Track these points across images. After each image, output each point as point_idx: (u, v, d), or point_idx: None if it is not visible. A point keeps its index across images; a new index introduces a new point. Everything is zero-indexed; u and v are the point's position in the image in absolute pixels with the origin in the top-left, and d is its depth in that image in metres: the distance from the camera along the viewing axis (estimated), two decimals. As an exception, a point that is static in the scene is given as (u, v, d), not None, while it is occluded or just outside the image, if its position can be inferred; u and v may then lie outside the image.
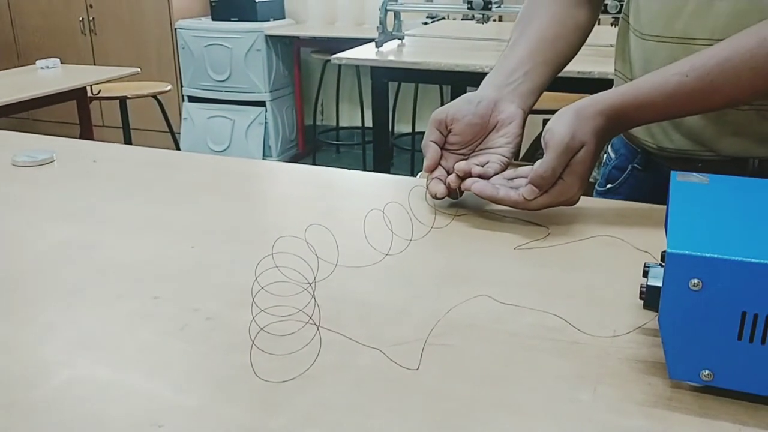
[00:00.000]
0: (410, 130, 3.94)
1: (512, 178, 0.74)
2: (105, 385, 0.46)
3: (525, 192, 0.69)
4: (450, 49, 2.28)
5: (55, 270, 0.63)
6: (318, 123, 4.26)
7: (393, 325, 0.53)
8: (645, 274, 0.50)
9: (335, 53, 2.26)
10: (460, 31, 2.59)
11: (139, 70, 2.80)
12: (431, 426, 0.42)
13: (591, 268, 0.62)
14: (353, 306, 0.56)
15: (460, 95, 0.80)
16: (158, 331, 0.53)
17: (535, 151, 2.34)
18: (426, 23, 3.21)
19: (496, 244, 0.67)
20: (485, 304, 0.55)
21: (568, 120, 0.69)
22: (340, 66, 3.96)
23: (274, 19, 3.96)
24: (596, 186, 0.98)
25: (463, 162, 0.74)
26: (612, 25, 2.03)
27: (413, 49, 2.35)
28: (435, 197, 0.74)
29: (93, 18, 4.22)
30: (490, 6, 2.20)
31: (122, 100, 3.22)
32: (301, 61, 4.17)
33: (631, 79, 0.83)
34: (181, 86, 4.08)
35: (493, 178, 0.73)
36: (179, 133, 4.00)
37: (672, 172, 0.55)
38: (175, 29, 3.99)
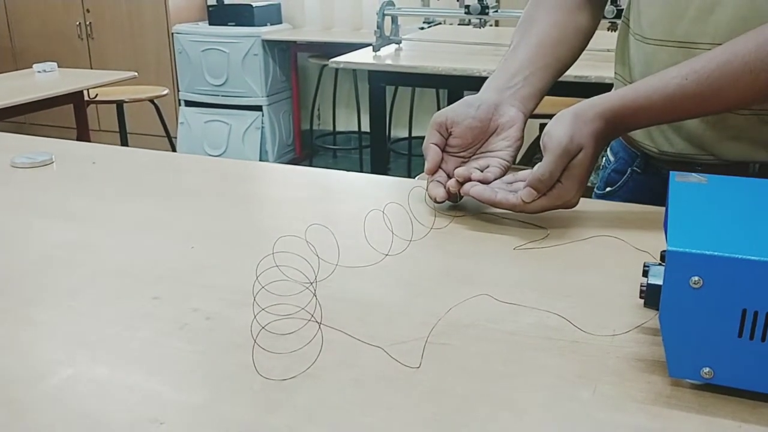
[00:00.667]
0: (407, 135, 3.95)
1: (511, 182, 0.74)
2: (105, 383, 0.46)
3: (523, 195, 0.69)
4: (447, 54, 2.29)
5: (55, 270, 0.63)
6: (315, 128, 4.26)
7: (394, 324, 0.53)
8: (645, 274, 0.50)
9: (332, 58, 2.27)
10: (457, 36, 2.60)
11: (136, 74, 2.80)
12: (432, 424, 0.42)
13: (590, 268, 0.62)
14: (354, 305, 0.56)
15: (457, 100, 0.80)
16: (158, 330, 0.53)
17: (532, 155, 2.35)
18: (422, 28, 3.22)
19: (495, 244, 0.67)
20: (485, 304, 0.55)
21: (567, 123, 0.69)
22: (337, 71, 3.97)
23: (271, 24, 3.97)
24: (595, 189, 0.98)
25: (463, 167, 0.74)
26: (609, 29, 2.04)
27: (411, 53, 2.36)
28: (435, 201, 0.74)
29: (90, 22, 4.22)
30: (487, 11, 2.21)
31: (119, 104, 3.22)
32: (298, 66, 4.18)
33: (631, 83, 0.83)
34: (178, 91, 4.08)
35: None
36: (176, 138, 4.00)
37: (671, 172, 0.56)
38: (173, 34, 3.99)
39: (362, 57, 2.28)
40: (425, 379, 0.46)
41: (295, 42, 3.96)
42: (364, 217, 0.71)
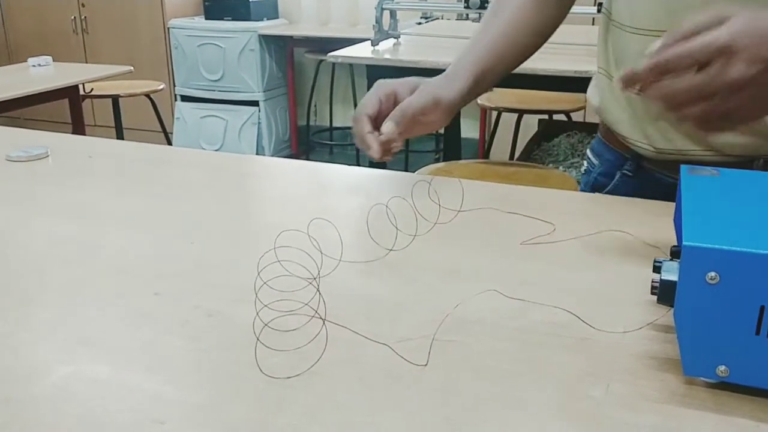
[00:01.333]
0: (404, 131, 3.93)
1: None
2: (105, 382, 0.45)
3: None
4: (446, 48, 2.27)
5: (53, 267, 0.62)
6: (311, 123, 4.25)
7: (399, 320, 0.52)
8: (656, 270, 0.49)
9: (328, 53, 2.25)
10: (455, 31, 2.58)
11: (132, 68, 2.78)
12: (440, 423, 0.41)
13: (598, 263, 0.61)
14: (359, 302, 0.55)
15: None
16: (159, 328, 0.52)
17: (530, 151, 2.33)
18: (420, 23, 3.20)
19: (501, 239, 0.66)
20: (492, 300, 0.54)
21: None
22: (333, 66, 3.95)
23: (267, 19, 3.95)
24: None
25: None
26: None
27: (409, 48, 2.34)
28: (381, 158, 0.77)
29: (85, 17, 4.19)
30: (486, 5, 2.20)
31: (115, 99, 3.20)
32: (294, 62, 4.16)
33: (614, 76, 0.82)
34: (174, 86, 4.06)
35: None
36: (172, 133, 3.98)
37: (682, 166, 0.54)
38: (168, 28, 3.97)
39: (360, 51, 2.26)
40: (433, 377, 0.45)
41: (291, 37, 3.94)
42: (367, 211, 0.70)
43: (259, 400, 0.43)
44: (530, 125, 2.86)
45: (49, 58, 2.76)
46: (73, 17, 4.21)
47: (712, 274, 0.40)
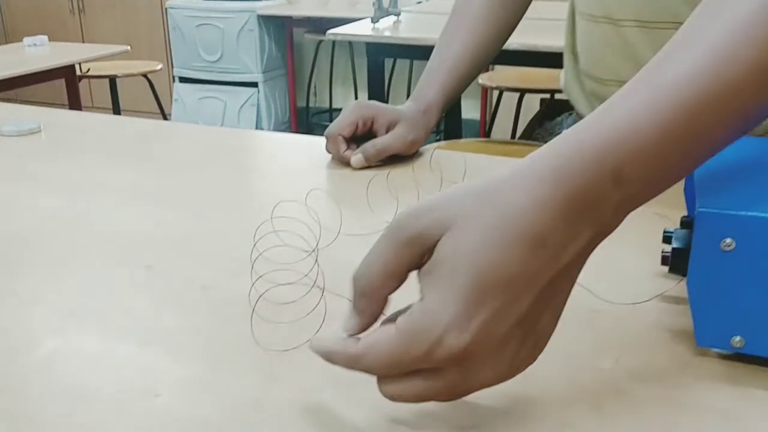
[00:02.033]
0: (404, 112, 3.90)
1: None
2: (96, 355, 0.43)
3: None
4: (446, 27, 2.24)
5: (43, 240, 0.60)
6: (311, 105, 4.21)
7: (402, 294, 0.50)
8: (666, 240, 0.47)
9: (328, 31, 2.22)
10: (456, 9, 2.55)
11: (129, 48, 2.74)
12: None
13: (605, 236, 0.59)
14: (358, 274, 0.53)
15: None
16: (151, 300, 0.50)
17: (532, 131, 2.31)
18: (420, 2, 3.17)
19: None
20: (497, 272, 0.52)
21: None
22: (333, 47, 3.91)
23: (266, -1, 3.90)
24: None
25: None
26: None
27: (409, 25, 2.31)
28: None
29: (81, -3, 4.15)
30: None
31: (112, 80, 3.17)
32: (294, 42, 4.12)
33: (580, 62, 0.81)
34: (172, 67, 4.02)
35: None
36: (170, 115, 3.95)
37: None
38: (166, 9, 3.92)
39: (360, 29, 2.23)
40: (436, 349, 0.43)
41: (290, 17, 3.89)
42: (367, 183, 0.68)
43: (257, 373, 0.42)
44: (532, 105, 2.83)
45: (45, 37, 2.73)
46: (69, -3, 4.17)
47: (728, 240, 0.39)
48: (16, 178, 0.76)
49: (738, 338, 0.40)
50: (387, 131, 0.79)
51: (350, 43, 3.92)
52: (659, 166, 0.35)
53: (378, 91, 2.24)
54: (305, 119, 4.18)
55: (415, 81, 3.84)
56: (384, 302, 0.37)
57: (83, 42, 4.17)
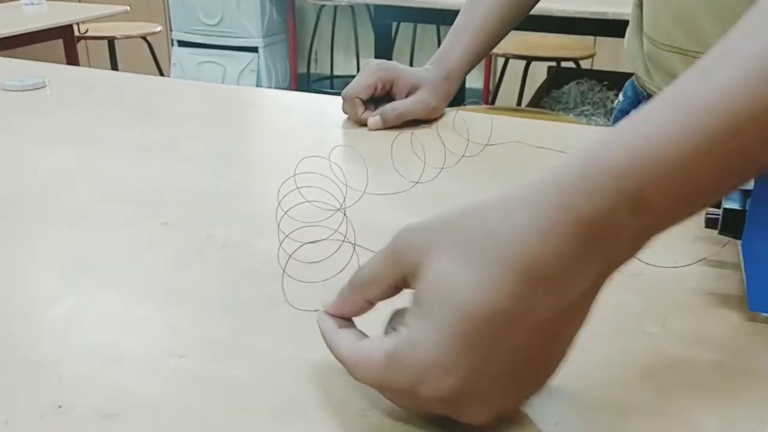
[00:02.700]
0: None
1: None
2: (114, 313, 0.41)
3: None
4: (454, -9, 2.19)
5: (54, 195, 0.58)
6: (312, 71, 4.15)
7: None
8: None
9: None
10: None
11: (128, 8, 2.68)
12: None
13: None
14: (387, 234, 0.51)
15: None
16: (170, 258, 0.48)
17: (539, 100, 2.27)
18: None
19: (533, 173, 0.62)
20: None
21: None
22: (335, 11, 3.84)
23: (267, -39, 3.82)
24: None
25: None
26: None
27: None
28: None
29: (78, -44, 4.05)
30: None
31: (110, 41, 3.11)
32: (295, 7, 4.04)
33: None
34: (171, 30, 3.95)
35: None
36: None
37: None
38: (165, -30, 3.84)
39: (366, -8, 2.18)
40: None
41: (292, -19, 3.82)
42: (390, 142, 0.66)
43: (285, 333, 0.39)
44: (537, 74, 2.79)
45: (42, -4, 2.66)
46: (65, -43, 4.07)
47: (791, 199, 0.37)
48: (22, 132, 0.73)
49: (794, 303, 0.38)
50: (407, 95, 0.76)
51: (352, 8, 3.85)
52: (686, 192, 0.28)
53: (385, 56, 2.20)
54: (306, 86, 4.12)
55: (419, 45, 3.79)
56: (362, 305, 0.35)
57: (81, 2, 4.09)
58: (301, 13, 4.14)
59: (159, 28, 3.23)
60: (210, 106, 0.83)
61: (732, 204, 0.42)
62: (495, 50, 2.61)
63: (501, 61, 2.92)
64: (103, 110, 0.81)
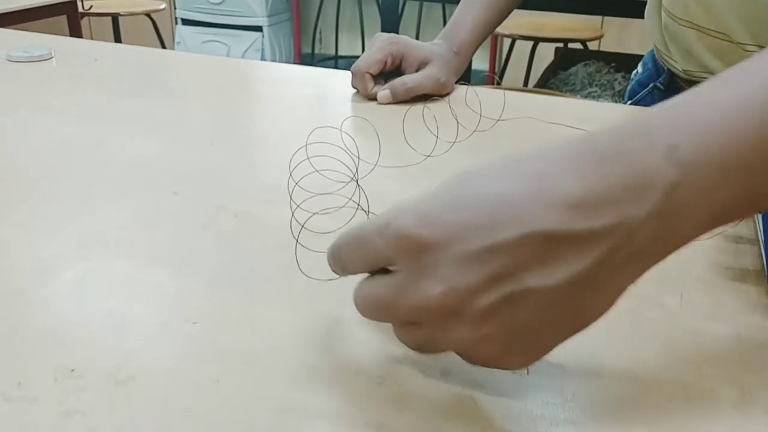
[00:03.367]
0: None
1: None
2: (125, 280, 0.41)
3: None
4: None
5: (63, 166, 0.57)
6: (316, 52, 4.13)
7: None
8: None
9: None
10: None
11: (132, -16, 2.66)
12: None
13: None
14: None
15: None
16: (180, 227, 0.47)
17: (546, 81, 2.26)
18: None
19: (546, 148, 0.61)
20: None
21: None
22: (341, -11, 3.80)
23: (272, -62, 3.78)
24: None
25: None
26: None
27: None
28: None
29: (81, -68, 4.01)
30: None
31: (114, 18, 3.09)
32: (299, -14, 4.01)
33: None
34: (175, 8, 3.92)
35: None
36: (173, 58, 3.86)
37: None
38: (169, -54, 3.80)
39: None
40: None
41: (297, -41, 3.79)
42: (402, 116, 0.65)
43: (300, 302, 0.39)
44: (543, 55, 2.77)
45: (46, -29, 2.63)
46: (68, -67, 4.03)
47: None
48: (28, 104, 0.72)
49: (815, 276, 0.38)
50: (416, 70, 0.75)
51: (358, -13, 3.82)
52: (728, 161, 0.26)
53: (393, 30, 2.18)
54: (310, 66, 4.10)
55: (425, 25, 3.76)
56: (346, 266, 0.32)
57: (83, -20, 4.05)
58: (305, -8, 4.11)
59: (163, 6, 3.21)
60: (217, 79, 0.82)
61: (752, 176, 0.41)
62: (502, 31, 2.59)
63: (507, 42, 2.90)
64: (111, 82, 0.80)
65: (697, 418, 0.31)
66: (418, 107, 0.70)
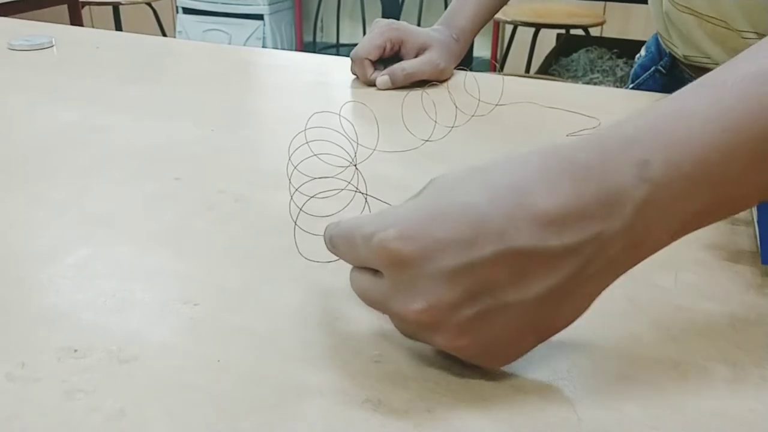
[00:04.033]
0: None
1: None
2: (129, 262, 0.42)
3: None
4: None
5: (66, 151, 0.58)
6: (318, 40, 4.12)
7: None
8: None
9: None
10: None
11: (133, -27, 2.65)
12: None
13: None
14: (397, 190, 0.51)
15: None
16: (182, 211, 0.48)
17: (547, 67, 2.25)
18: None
19: (544, 132, 0.61)
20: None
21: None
22: (342, -22, 3.79)
23: (273, -74, 3.77)
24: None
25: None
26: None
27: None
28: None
29: None
30: None
31: (115, 7, 3.08)
32: (301, -26, 4.00)
33: None
34: (175, -3, 3.91)
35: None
36: (174, 47, 3.86)
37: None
38: (169, -66, 3.79)
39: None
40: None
41: (298, -54, 3.77)
42: (400, 101, 0.65)
43: (299, 284, 0.40)
44: (545, 42, 2.76)
45: (46, -40, 2.63)
46: None
47: (809, 150, 0.36)
48: (30, 91, 0.72)
49: (808, 256, 0.38)
50: (416, 56, 0.75)
51: (359, -25, 3.80)
52: (695, 173, 0.27)
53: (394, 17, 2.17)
54: (312, 54, 4.09)
55: (426, 14, 3.75)
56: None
57: (84, -31, 4.04)
58: (307, -20, 4.09)
59: (164, -6, 3.20)
60: (218, 66, 0.83)
61: (747, 158, 0.42)
62: (503, 17, 2.58)
63: (509, 28, 2.89)
64: (111, 70, 0.80)
65: (690, 394, 0.32)
66: (416, 93, 0.71)
